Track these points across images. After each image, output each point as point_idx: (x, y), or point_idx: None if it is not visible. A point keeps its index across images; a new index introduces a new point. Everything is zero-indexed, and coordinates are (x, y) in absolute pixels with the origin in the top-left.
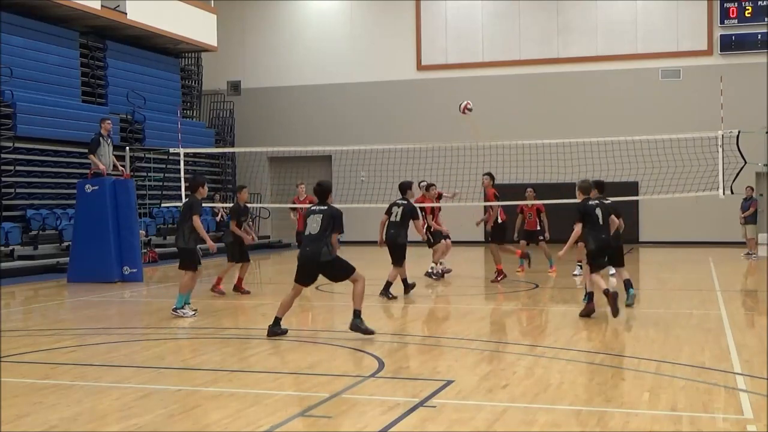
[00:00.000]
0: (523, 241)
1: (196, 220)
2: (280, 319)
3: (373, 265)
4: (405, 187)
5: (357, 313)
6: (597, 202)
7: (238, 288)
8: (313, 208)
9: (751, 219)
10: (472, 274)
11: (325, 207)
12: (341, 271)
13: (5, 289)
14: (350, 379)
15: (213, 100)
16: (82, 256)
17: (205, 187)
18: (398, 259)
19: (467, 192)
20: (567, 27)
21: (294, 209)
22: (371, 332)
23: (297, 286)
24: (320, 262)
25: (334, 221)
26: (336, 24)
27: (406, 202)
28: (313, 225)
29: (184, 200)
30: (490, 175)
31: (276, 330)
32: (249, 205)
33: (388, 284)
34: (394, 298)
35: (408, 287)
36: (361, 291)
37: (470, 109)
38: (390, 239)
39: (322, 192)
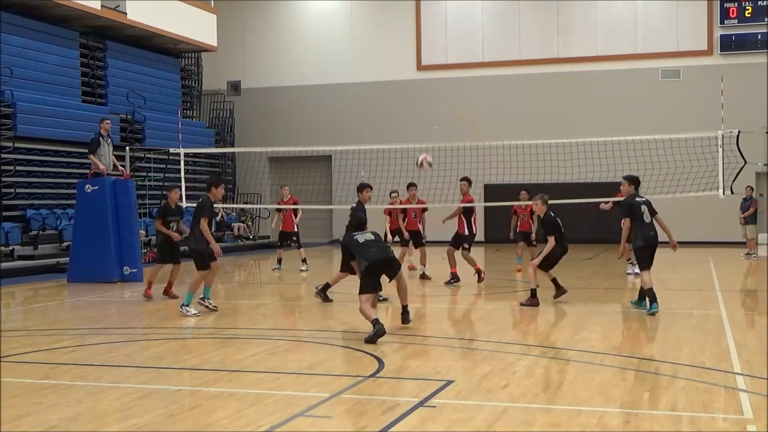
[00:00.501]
0: (522, 242)
1: (203, 223)
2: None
3: None
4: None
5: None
6: (644, 198)
7: (167, 291)
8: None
9: (751, 219)
10: (471, 275)
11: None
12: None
13: (5, 289)
14: (350, 379)
15: (213, 100)
16: (82, 256)
17: (221, 188)
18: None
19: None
20: (567, 27)
21: (279, 210)
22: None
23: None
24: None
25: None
26: (336, 24)
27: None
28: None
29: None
30: (467, 180)
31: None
32: (248, 205)
33: (328, 285)
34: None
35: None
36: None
37: (430, 164)
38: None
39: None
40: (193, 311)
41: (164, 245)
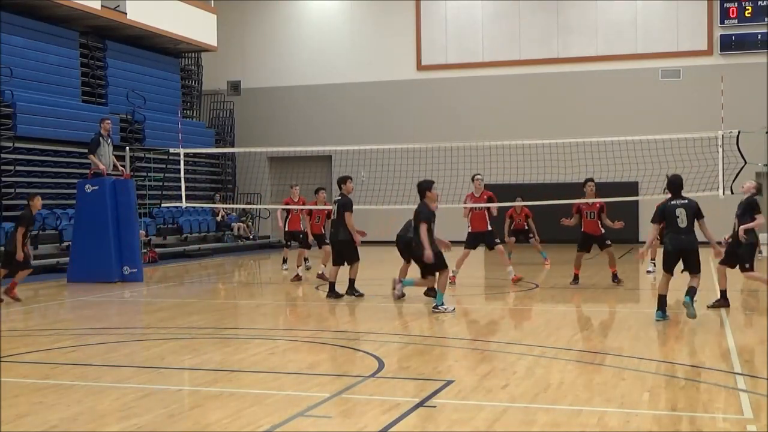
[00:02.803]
0: (512, 238)
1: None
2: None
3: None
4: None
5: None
6: (682, 202)
7: (9, 291)
8: (674, 202)
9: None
10: (471, 275)
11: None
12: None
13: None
14: (350, 379)
15: (213, 100)
16: (82, 256)
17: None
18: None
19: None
20: (567, 27)
21: (288, 211)
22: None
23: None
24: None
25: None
26: (336, 24)
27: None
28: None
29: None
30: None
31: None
32: (249, 205)
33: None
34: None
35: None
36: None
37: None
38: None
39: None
40: (450, 308)
41: (8, 253)
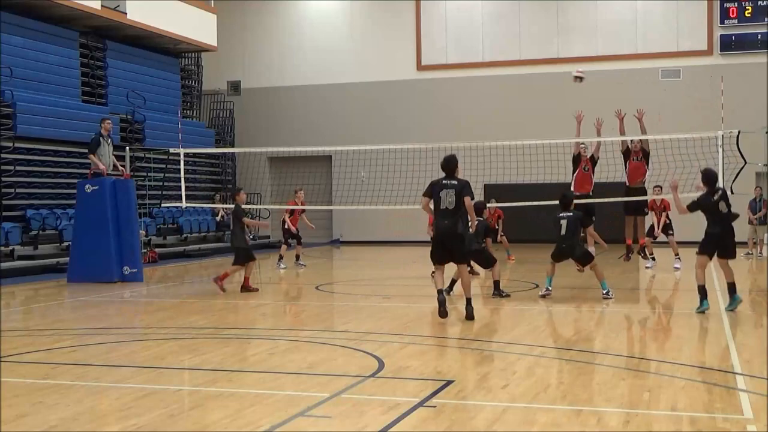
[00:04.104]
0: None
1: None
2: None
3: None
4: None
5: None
6: (721, 195)
7: (245, 287)
8: (444, 182)
9: (761, 220)
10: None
11: (456, 181)
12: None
13: (5, 289)
14: (350, 379)
15: (213, 100)
16: (82, 256)
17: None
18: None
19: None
20: (567, 27)
21: (293, 211)
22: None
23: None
24: (457, 234)
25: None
26: (336, 24)
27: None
28: (449, 199)
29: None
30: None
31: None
32: (248, 205)
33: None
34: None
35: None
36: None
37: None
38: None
39: (450, 166)
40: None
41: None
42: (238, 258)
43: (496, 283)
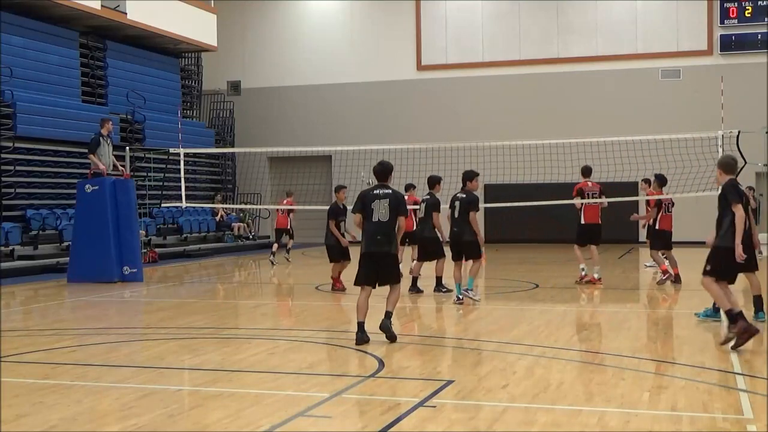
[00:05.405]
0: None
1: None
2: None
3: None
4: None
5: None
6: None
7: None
8: (376, 191)
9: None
10: None
11: (390, 191)
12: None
13: (5, 289)
14: (350, 379)
15: (213, 100)
16: (82, 256)
17: (475, 181)
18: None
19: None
20: (567, 27)
21: (280, 210)
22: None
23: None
24: (390, 254)
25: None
26: (336, 24)
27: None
28: (381, 210)
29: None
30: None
31: (363, 338)
32: (248, 205)
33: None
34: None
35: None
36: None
37: None
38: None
39: (384, 173)
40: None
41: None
42: (330, 255)
43: (438, 279)
